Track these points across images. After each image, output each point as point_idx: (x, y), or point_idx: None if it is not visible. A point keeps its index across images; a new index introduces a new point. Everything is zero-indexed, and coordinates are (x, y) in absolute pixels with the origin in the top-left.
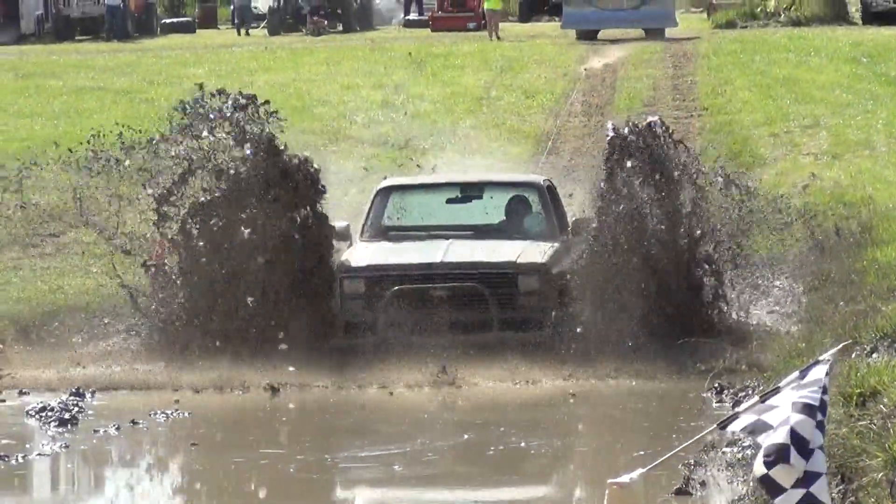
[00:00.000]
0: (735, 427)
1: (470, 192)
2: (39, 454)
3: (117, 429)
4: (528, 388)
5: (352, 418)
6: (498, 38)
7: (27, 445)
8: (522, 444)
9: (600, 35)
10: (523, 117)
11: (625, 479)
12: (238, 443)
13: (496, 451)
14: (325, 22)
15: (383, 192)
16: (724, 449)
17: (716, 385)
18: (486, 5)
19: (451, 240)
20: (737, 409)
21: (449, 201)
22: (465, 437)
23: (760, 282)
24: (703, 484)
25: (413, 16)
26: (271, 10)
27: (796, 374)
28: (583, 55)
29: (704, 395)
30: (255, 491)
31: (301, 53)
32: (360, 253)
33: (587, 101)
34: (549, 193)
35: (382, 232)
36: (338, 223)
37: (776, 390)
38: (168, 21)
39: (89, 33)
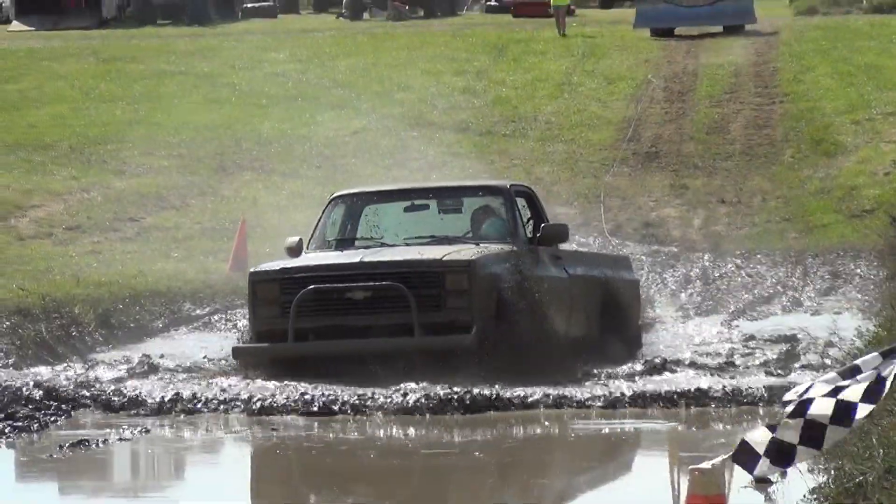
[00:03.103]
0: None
1: (426, 199)
2: (121, 438)
3: (191, 413)
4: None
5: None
6: (564, 34)
7: (107, 430)
8: (604, 430)
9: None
10: (605, 103)
11: (707, 465)
12: (321, 435)
13: (576, 435)
14: (406, 7)
15: (333, 203)
16: None
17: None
18: (553, 1)
19: (388, 246)
20: (809, 385)
21: (407, 210)
22: (536, 431)
23: (841, 269)
24: (783, 472)
25: (493, 2)
26: None
27: (875, 354)
28: (663, 43)
29: (779, 383)
30: (336, 481)
31: (382, 38)
32: (283, 261)
33: (669, 88)
34: (520, 198)
35: (328, 244)
36: (288, 239)
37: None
38: (249, 6)
39: (170, 18)
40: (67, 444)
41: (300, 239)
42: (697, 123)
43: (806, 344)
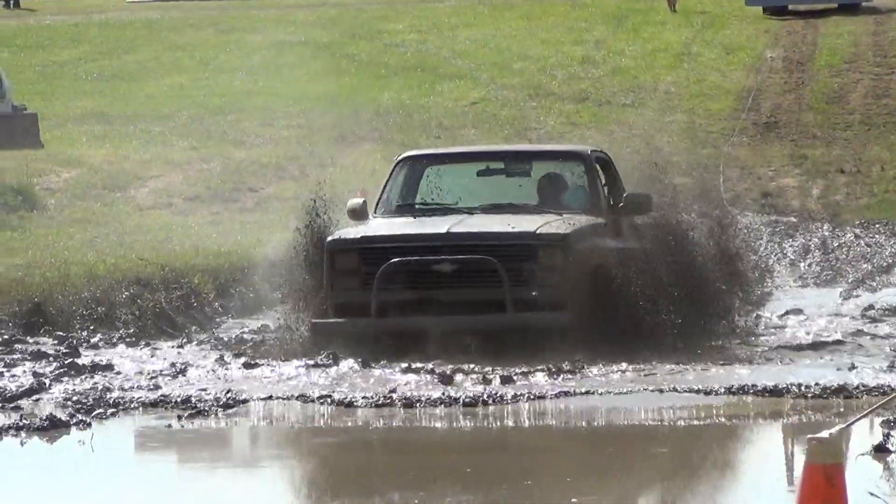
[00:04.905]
0: None
1: (501, 163)
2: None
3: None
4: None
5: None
6: (675, 10)
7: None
8: (712, 407)
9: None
10: (724, 73)
11: (824, 434)
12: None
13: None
14: None
15: (402, 164)
16: None
17: None
18: None
19: (469, 214)
20: None
21: (480, 174)
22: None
23: None
24: None
25: None
26: None
27: None
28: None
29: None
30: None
31: (501, 9)
32: (361, 227)
33: (788, 58)
34: (598, 165)
35: (398, 208)
36: (352, 200)
37: None
38: None
39: None
40: (186, 415)
41: (364, 201)
42: (817, 93)
43: None
